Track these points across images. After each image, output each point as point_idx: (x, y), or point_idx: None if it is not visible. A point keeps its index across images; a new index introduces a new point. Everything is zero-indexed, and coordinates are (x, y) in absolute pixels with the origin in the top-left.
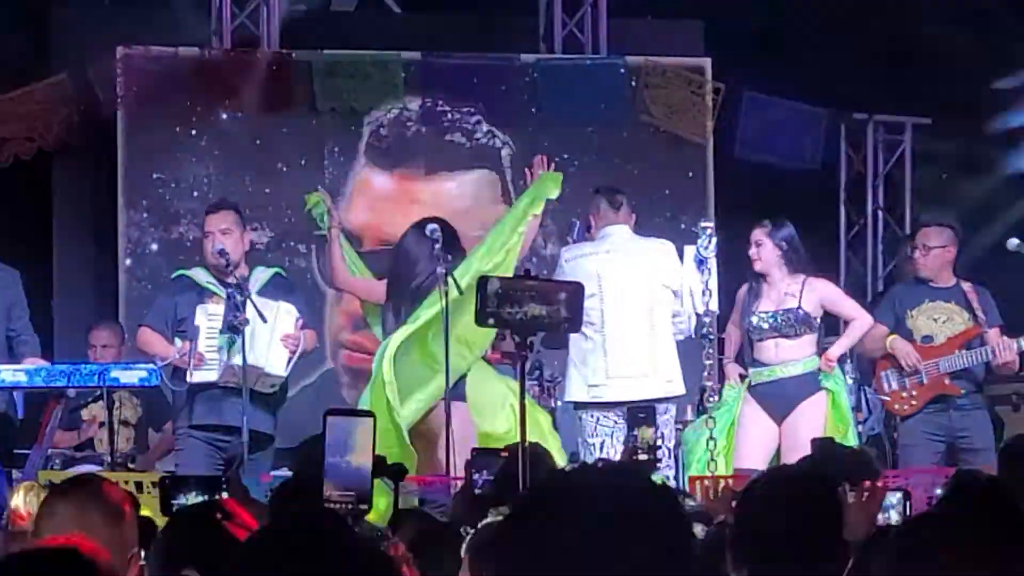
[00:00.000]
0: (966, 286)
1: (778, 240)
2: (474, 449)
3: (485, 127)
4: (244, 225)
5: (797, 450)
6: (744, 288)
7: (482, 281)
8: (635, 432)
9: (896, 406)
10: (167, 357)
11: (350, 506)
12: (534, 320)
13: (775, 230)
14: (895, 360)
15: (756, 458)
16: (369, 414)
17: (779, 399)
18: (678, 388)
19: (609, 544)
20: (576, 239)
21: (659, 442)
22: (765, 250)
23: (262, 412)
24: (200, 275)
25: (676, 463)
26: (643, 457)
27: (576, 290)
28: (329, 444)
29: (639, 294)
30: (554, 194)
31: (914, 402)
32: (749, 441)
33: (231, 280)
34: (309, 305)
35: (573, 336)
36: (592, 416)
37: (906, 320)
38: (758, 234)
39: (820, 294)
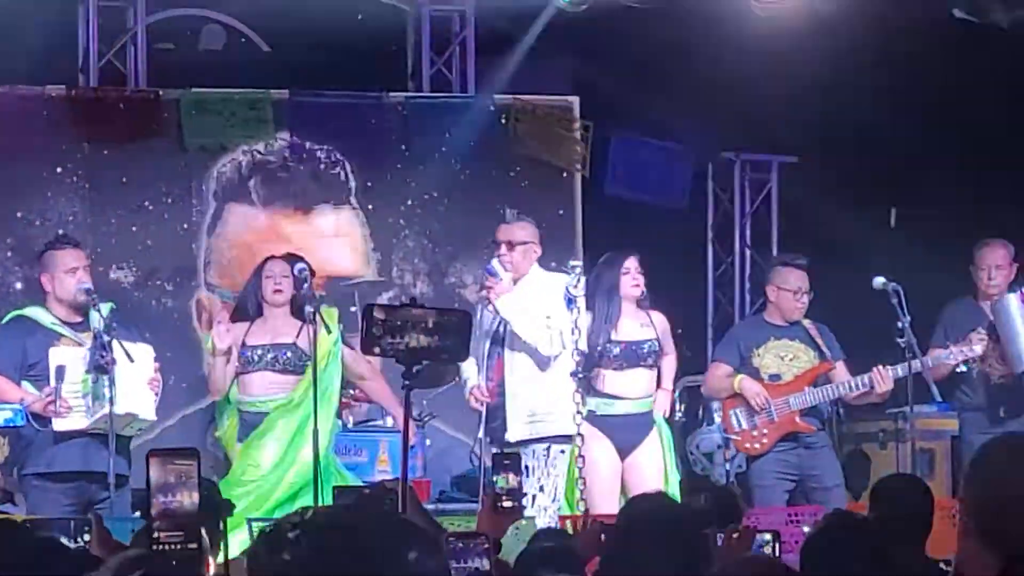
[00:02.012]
0: (807, 323)
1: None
2: (336, 487)
3: (350, 165)
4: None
5: (643, 487)
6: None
7: (368, 309)
8: (495, 478)
9: (747, 445)
10: (27, 402)
11: (178, 546)
12: (417, 350)
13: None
14: (744, 399)
15: (610, 497)
16: (193, 452)
17: (623, 435)
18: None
19: None
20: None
21: (525, 488)
22: (640, 279)
23: (117, 454)
24: (42, 316)
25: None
26: (508, 504)
27: (462, 319)
28: (156, 484)
29: (553, 327)
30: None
31: (765, 440)
32: (601, 480)
33: (76, 319)
34: (169, 342)
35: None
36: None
37: (752, 359)
38: (636, 263)
39: (661, 327)
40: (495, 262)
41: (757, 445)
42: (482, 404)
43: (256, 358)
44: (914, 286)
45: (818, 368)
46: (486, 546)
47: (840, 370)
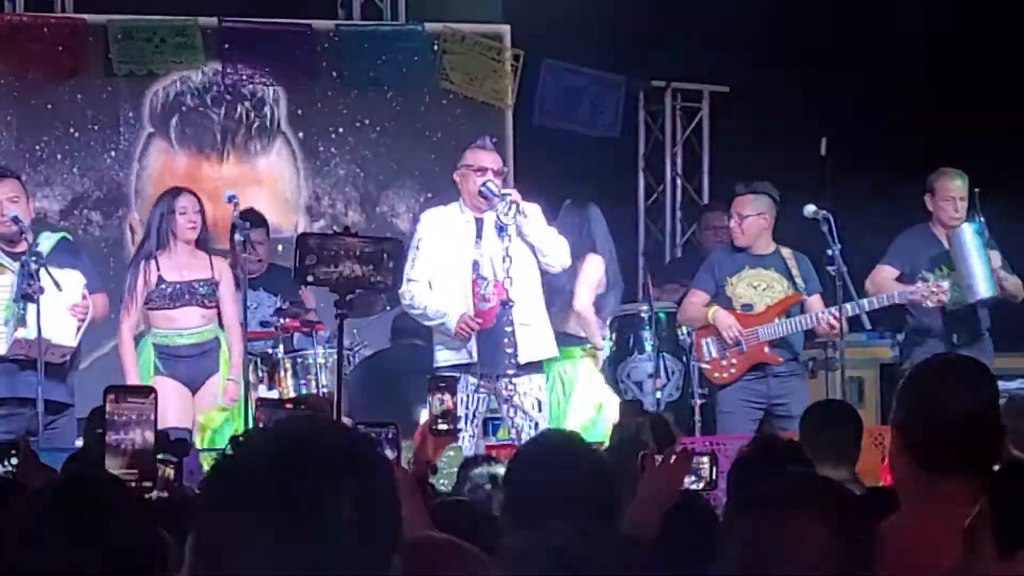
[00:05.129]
0: (785, 252)
1: None
2: (258, 399)
3: (280, 93)
4: (27, 192)
5: None
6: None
7: (301, 238)
8: (431, 400)
9: (716, 374)
10: None
11: (134, 484)
12: (350, 280)
13: None
14: (716, 329)
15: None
16: (150, 390)
17: None
18: None
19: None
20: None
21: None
22: None
23: (54, 381)
24: None
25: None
26: (443, 427)
27: (395, 248)
28: (110, 421)
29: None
30: None
31: (733, 370)
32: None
33: (18, 249)
34: (100, 271)
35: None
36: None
37: (726, 288)
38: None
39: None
40: (491, 185)
41: (725, 374)
42: (474, 331)
43: (178, 294)
44: (846, 214)
45: (789, 299)
46: (394, 435)
47: (815, 302)
